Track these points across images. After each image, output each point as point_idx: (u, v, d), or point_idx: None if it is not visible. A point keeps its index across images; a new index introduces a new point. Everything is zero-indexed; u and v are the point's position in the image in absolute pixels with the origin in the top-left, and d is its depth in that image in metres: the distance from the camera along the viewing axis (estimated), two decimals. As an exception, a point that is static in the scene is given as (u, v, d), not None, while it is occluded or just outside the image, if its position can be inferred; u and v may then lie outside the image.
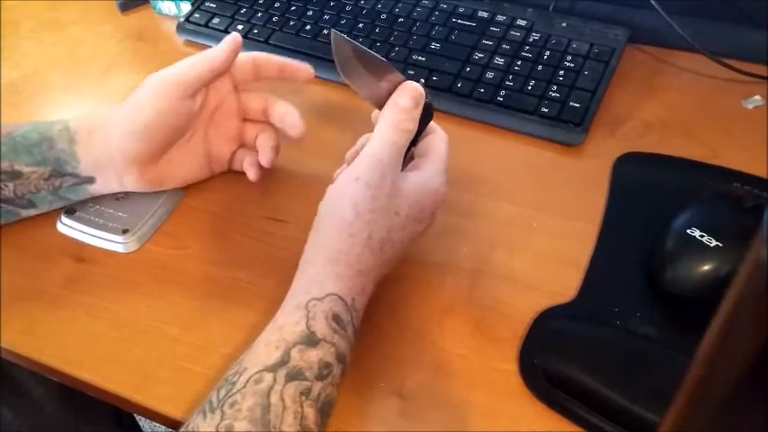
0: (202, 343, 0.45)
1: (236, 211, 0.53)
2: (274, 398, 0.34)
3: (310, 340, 0.37)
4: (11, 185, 0.49)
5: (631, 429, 0.39)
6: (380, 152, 0.42)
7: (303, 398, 0.35)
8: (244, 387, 0.35)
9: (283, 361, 0.35)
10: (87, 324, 0.46)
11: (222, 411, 0.34)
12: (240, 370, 0.36)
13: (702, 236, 0.44)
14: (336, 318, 0.38)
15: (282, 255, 0.50)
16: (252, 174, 0.53)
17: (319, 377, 0.36)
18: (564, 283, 0.47)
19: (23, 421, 0.71)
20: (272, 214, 0.53)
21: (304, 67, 0.52)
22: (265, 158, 0.52)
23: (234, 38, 0.49)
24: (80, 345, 0.45)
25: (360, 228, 0.40)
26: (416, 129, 0.44)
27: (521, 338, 0.44)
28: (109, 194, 0.53)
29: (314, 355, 0.36)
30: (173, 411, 0.42)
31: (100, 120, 0.50)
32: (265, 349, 0.36)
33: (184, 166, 0.52)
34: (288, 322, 0.38)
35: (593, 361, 0.41)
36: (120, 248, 0.50)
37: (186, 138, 0.51)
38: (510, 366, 0.43)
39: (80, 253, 0.51)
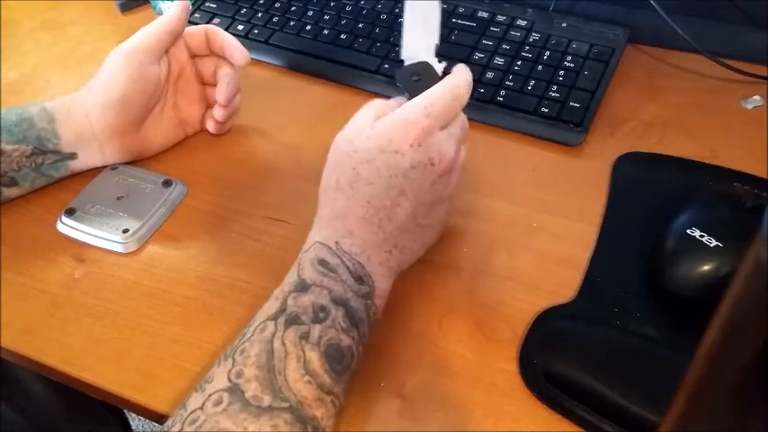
0: (202, 343, 0.45)
1: (236, 212, 0.53)
2: (276, 343, 0.36)
3: (302, 287, 0.39)
4: None
5: (631, 429, 0.39)
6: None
7: (303, 342, 0.37)
8: (252, 336, 0.37)
9: (282, 309, 0.38)
10: (87, 324, 0.47)
11: (233, 359, 0.37)
12: (251, 323, 0.39)
13: (702, 236, 0.44)
14: (322, 262, 0.40)
15: (282, 255, 0.50)
16: (210, 126, 0.59)
17: (316, 320, 0.38)
18: (564, 283, 0.47)
19: (24, 420, 0.71)
20: (272, 214, 0.53)
21: (240, 51, 0.56)
22: (222, 94, 0.56)
23: (183, 3, 0.55)
24: (80, 345, 0.45)
25: (327, 174, 0.44)
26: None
27: (521, 338, 0.44)
28: (109, 194, 0.53)
29: (307, 300, 0.38)
30: (173, 411, 0.42)
31: (77, 99, 0.54)
32: (268, 303, 0.39)
33: (160, 133, 0.57)
34: (286, 278, 0.41)
35: (593, 361, 0.41)
36: (120, 248, 0.50)
37: (159, 107, 0.56)
38: (510, 366, 0.43)
39: (80, 253, 0.51)
